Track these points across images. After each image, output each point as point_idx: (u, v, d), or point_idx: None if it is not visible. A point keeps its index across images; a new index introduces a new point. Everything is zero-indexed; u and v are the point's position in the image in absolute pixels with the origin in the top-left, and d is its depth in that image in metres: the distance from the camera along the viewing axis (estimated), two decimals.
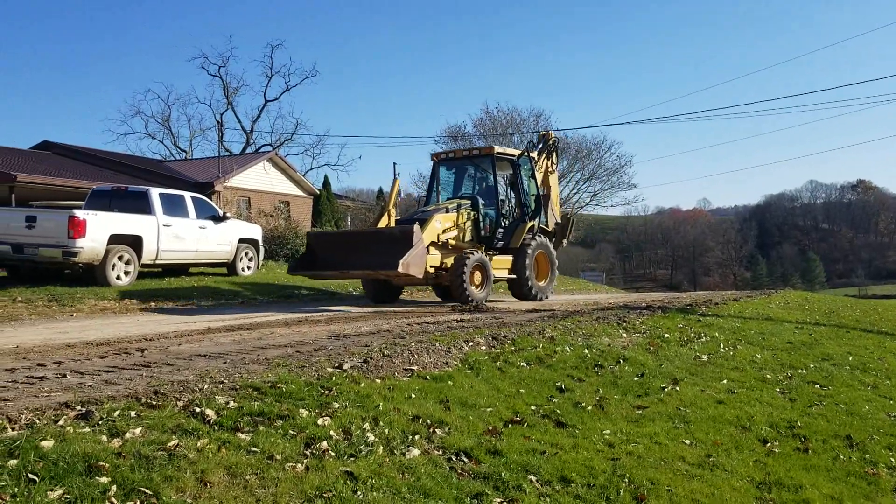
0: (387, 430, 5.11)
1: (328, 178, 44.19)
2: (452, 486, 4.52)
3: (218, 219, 17.93)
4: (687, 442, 6.40)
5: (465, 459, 5.00)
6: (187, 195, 17.54)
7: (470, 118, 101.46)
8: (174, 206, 16.81)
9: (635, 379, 8.00)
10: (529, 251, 15.92)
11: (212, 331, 9.23)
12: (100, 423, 4.39)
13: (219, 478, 3.92)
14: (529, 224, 16.20)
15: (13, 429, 4.18)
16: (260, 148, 51.45)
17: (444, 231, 14.44)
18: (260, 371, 6.19)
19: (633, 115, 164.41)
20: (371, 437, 4.92)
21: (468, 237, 15.29)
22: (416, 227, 12.98)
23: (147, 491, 3.59)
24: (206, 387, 5.47)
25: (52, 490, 3.42)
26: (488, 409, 6.10)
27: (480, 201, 15.76)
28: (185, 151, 54.36)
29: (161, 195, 16.70)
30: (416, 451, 4.90)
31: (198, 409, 4.84)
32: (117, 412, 4.58)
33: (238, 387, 5.53)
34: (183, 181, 29.47)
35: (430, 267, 13.77)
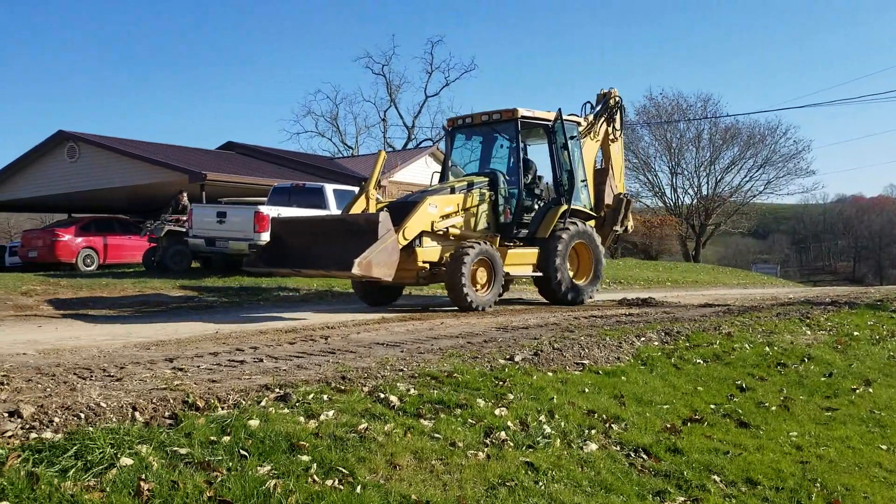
0: (563, 424, 5.13)
1: None
2: (633, 483, 4.47)
3: None
4: (883, 447, 5.96)
5: (645, 456, 4.92)
6: (328, 188, 18.27)
7: (632, 105, 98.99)
8: (346, 201, 17.61)
9: (822, 379, 7.52)
10: (561, 242, 12.23)
11: (386, 320, 9.62)
12: (297, 405, 4.72)
13: (406, 461, 4.10)
14: (562, 208, 12.44)
15: (223, 408, 4.58)
16: (420, 143, 52.78)
17: (442, 217, 11.21)
18: (435, 360, 6.40)
19: (811, 98, 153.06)
20: (548, 429, 4.96)
21: (481, 224, 11.93)
22: (384, 214, 9.88)
23: (343, 470, 3.82)
24: (387, 374, 5.73)
25: (261, 466, 3.72)
26: (665, 407, 5.96)
27: (502, 179, 12.23)
28: (351, 148, 56.80)
29: (335, 191, 17.58)
30: (593, 446, 4.89)
31: (382, 395, 5.09)
32: (311, 395, 4.91)
33: (416, 375, 5.76)
34: (351, 177, 30.79)
35: (424, 262, 11.01)
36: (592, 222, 13.41)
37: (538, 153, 13.27)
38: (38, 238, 23.19)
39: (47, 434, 3.81)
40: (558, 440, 4.83)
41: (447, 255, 11.06)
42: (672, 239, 46.55)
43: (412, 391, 5.28)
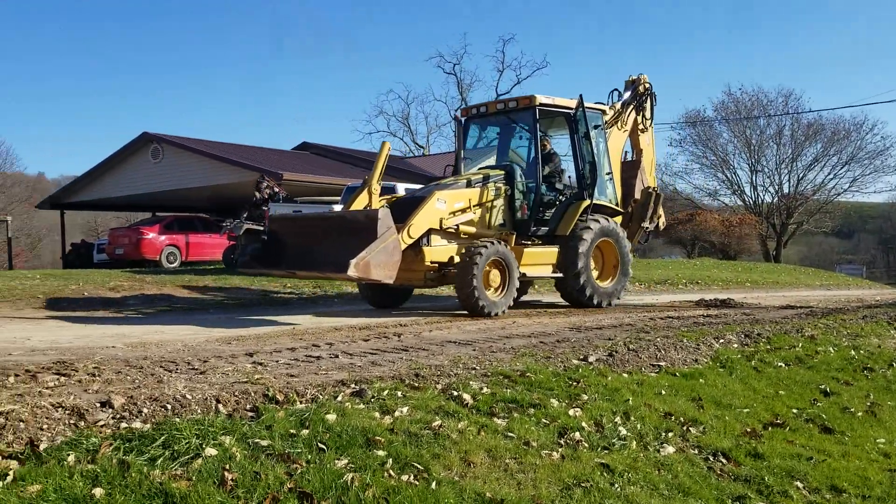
0: (639, 426, 5.06)
1: None
2: (712, 487, 4.38)
3: None
4: None
5: (724, 460, 4.81)
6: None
7: (710, 102, 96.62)
8: None
9: None
10: (584, 240, 11.16)
11: (458, 318, 9.66)
12: (372, 400, 4.79)
13: (480, 459, 4.12)
14: (584, 203, 11.40)
15: (301, 402, 4.69)
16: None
17: (453, 213, 10.35)
18: (507, 360, 6.39)
19: None
20: (623, 431, 4.90)
21: (496, 221, 10.99)
22: (384, 211, 8.99)
23: (418, 466, 3.87)
24: (460, 372, 5.76)
25: (338, 459, 3.80)
26: (745, 410, 5.81)
27: (518, 172, 11.32)
28: (422, 147, 57.15)
29: (406, 190, 17.72)
30: (670, 449, 4.81)
31: (455, 393, 5.12)
32: (385, 392, 4.98)
33: (489, 374, 5.77)
34: (422, 176, 30.99)
35: (432, 262, 10.17)
36: (619, 219, 12.37)
37: (560, 145, 12.54)
38: (124, 236, 24.18)
39: (137, 424, 3.97)
40: (634, 442, 4.76)
41: (458, 254, 10.22)
42: (751, 238, 45.20)
43: (485, 390, 5.30)
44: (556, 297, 12.88)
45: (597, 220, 11.41)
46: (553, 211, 11.44)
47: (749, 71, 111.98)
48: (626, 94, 12.98)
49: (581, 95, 11.31)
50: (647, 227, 12.80)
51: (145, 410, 4.19)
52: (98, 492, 3.15)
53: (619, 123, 12.63)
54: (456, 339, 7.60)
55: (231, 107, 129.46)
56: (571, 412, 5.06)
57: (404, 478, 3.71)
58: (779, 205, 49.21)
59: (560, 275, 11.24)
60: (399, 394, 4.99)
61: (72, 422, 3.93)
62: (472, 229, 10.57)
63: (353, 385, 5.11)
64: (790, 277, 27.76)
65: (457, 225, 10.37)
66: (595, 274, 11.64)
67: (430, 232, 10.09)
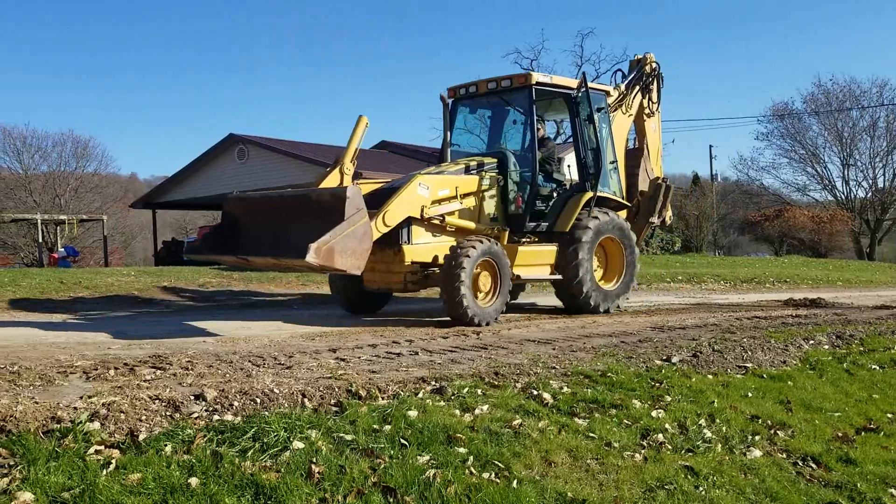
0: (724, 428, 4.95)
1: None
2: (801, 492, 4.25)
3: None
4: None
5: (813, 465, 4.67)
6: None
7: (799, 93, 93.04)
8: None
9: None
10: (585, 237, 9.84)
11: (536, 317, 9.64)
12: (452, 398, 4.85)
13: (561, 459, 4.12)
14: (586, 196, 10.04)
15: (383, 398, 4.78)
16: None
17: (437, 201, 9.09)
18: (588, 359, 6.35)
19: None
20: (708, 433, 4.81)
21: (488, 214, 9.75)
22: (353, 189, 7.70)
23: (499, 464, 3.89)
24: (539, 371, 5.76)
25: (420, 455, 3.86)
26: (836, 414, 5.61)
27: (512, 160, 9.96)
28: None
29: None
30: (757, 452, 4.69)
31: (535, 392, 5.13)
32: (465, 389, 5.02)
33: (569, 373, 5.75)
34: None
35: (413, 262, 8.94)
36: (624, 213, 11.11)
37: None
38: None
39: (228, 416, 4.14)
40: (719, 445, 4.67)
41: (443, 253, 8.89)
42: (843, 235, 43.34)
43: (565, 389, 5.28)
44: (554, 300, 11.49)
45: (600, 215, 10.13)
46: (551, 204, 10.12)
47: (841, 61, 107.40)
48: (631, 75, 11.78)
49: (584, 73, 10.14)
50: (654, 223, 11.62)
51: (236, 403, 4.35)
52: (194, 481, 3.30)
53: (623, 107, 11.42)
54: (535, 338, 7.59)
55: (313, 106, 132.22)
56: (654, 413, 4.99)
57: (485, 476, 3.74)
58: (872, 200, 47.00)
59: (559, 277, 9.93)
60: (479, 392, 5.03)
61: (168, 413, 4.12)
62: (460, 222, 9.32)
63: (433, 382, 5.18)
64: (885, 276, 26.49)
65: (442, 215, 9.07)
66: (598, 275, 10.40)
67: (410, 223, 8.82)
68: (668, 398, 5.32)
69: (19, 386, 4.63)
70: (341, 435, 3.98)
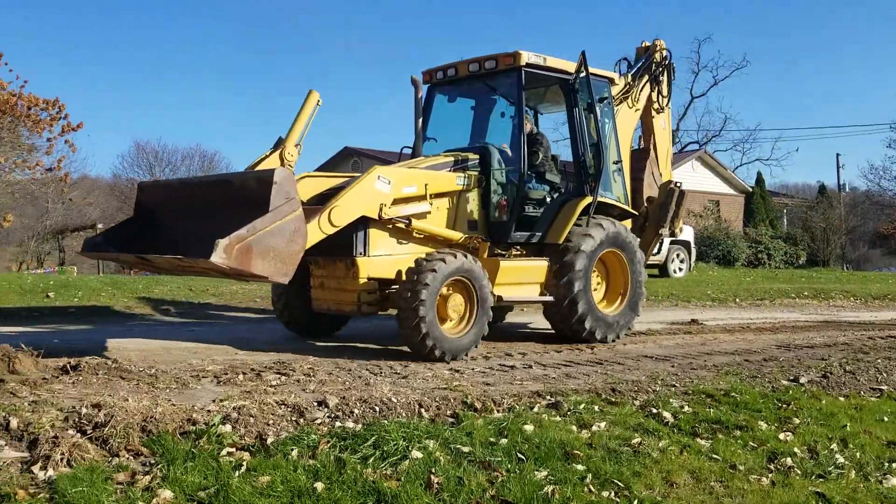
0: (858, 454, 4.67)
1: (761, 174, 41.47)
2: None
3: None
4: None
5: None
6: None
7: None
8: None
9: None
10: (582, 251, 8.06)
11: (652, 332, 9.40)
12: (568, 413, 4.81)
13: (683, 480, 4.00)
14: (584, 201, 8.25)
15: (498, 411, 4.80)
16: (685, 147, 50.73)
17: (401, 201, 7.40)
18: (709, 377, 6.15)
19: None
20: (840, 458, 4.55)
21: (467, 220, 8.05)
22: (282, 172, 6.05)
23: (619, 483, 3.82)
24: (658, 389, 5.63)
25: (538, 470, 3.84)
26: None
27: (497, 157, 8.29)
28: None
29: None
30: (894, 481, 4.40)
31: (654, 410, 5.01)
32: (582, 405, 4.97)
33: (690, 392, 5.58)
34: None
35: (369, 279, 7.18)
36: (629, 223, 9.31)
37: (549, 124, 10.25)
38: None
39: (349, 424, 4.26)
40: (853, 472, 4.41)
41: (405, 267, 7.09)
42: None
43: (686, 408, 5.14)
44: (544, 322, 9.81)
45: (601, 225, 8.36)
46: (542, 210, 8.44)
47: None
48: (638, 64, 10.14)
49: (583, 53, 8.19)
50: (664, 234, 9.80)
51: (356, 411, 4.48)
52: (319, 486, 3.41)
53: (629, 100, 9.78)
54: (652, 354, 7.41)
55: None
56: (782, 436, 4.78)
57: (605, 494, 3.68)
58: None
59: (549, 298, 8.12)
60: (596, 408, 4.97)
61: (293, 418, 4.28)
62: (431, 227, 7.60)
63: (548, 397, 5.15)
64: None
65: (408, 218, 7.37)
66: (597, 297, 8.57)
67: (367, 226, 7.18)
68: (797, 420, 5.08)
69: (157, 388, 4.93)
70: (458, 446, 4.02)
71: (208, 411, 4.20)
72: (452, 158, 8.07)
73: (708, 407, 5.21)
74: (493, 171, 8.13)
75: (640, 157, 10.07)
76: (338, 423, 4.26)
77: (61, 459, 3.41)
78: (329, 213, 6.71)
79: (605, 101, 8.90)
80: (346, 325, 8.75)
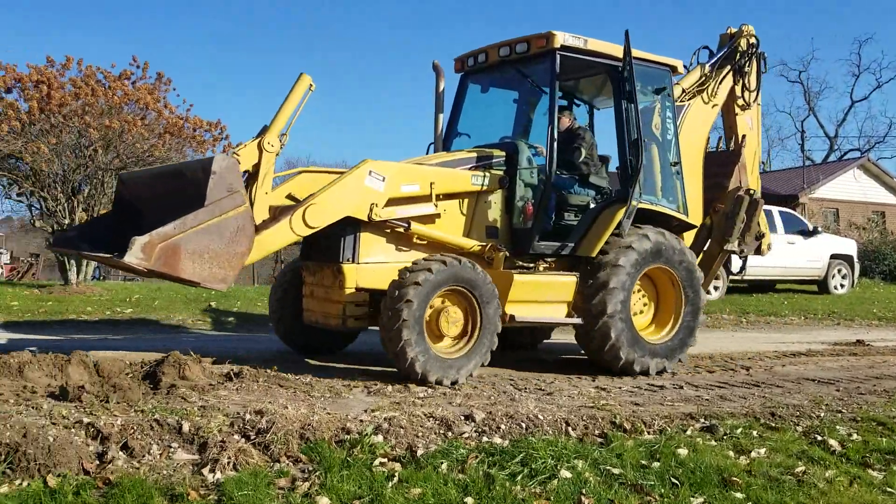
0: None
1: None
2: None
3: (807, 233, 17.16)
4: None
5: None
6: (775, 209, 17.21)
7: None
8: (795, 225, 17.07)
9: None
10: (619, 266, 6.85)
11: (813, 353, 8.83)
12: (724, 437, 4.59)
13: None
14: (622, 208, 7.00)
15: (648, 433, 4.66)
16: (845, 154, 47.52)
17: (397, 200, 6.56)
18: (880, 403, 5.72)
19: None
20: None
21: (485, 225, 7.10)
22: (224, 159, 5.54)
23: None
24: (822, 414, 5.28)
25: (693, 497, 3.69)
26: None
27: (525, 155, 7.28)
28: (763, 163, 53.38)
29: (781, 213, 16.94)
30: None
31: (819, 437, 4.71)
32: (739, 430, 4.74)
33: (858, 418, 5.20)
34: (764, 194, 28.98)
35: (356, 288, 6.33)
36: (691, 235, 8.10)
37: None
38: None
39: (496, 439, 4.26)
40: None
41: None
42: None
43: (855, 436, 4.79)
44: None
45: (646, 236, 7.10)
46: (579, 217, 7.33)
47: None
48: (721, 52, 8.78)
49: (627, 32, 6.86)
50: (732, 251, 8.32)
51: (503, 427, 4.48)
52: (469, 501, 3.44)
53: (705, 93, 8.51)
54: (814, 377, 6.96)
55: None
56: None
57: None
58: None
59: (578, 320, 6.92)
60: (754, 433, 4.72)
61: (441, 431, 4.34)
62: (434, 232, 6.68)
63: (702, 419, 4.95)
64: None
65: (406, 221, 6.52)
66: (642, 321, 7.37)
67: (359, 229, 6.38)
68: None
69: (313, 397, 5.15)
70: (608, 468, 3.93)
71: (361, 421, 4.33)
72: (475, 155, 7.12)
73: (879, 435, 4.83)
74: (520, 170, 7.15)
75: (725, 159, 8.81)
76: (485, 438, 4.27)
77: (228, 463, 3.62)
78: (304, 212, 5.95)
79: (662, 94, 7.78)
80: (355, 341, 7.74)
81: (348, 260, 6.33)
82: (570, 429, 4.57)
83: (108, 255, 5.30)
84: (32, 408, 4.20)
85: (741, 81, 8.83)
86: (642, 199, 7.17)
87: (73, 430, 3.71)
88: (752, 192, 8.33)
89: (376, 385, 5.67)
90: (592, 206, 7.36)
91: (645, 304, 7.45)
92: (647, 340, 7.08)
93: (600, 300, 6.75)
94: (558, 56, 7.04)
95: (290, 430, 4.00)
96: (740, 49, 8.75)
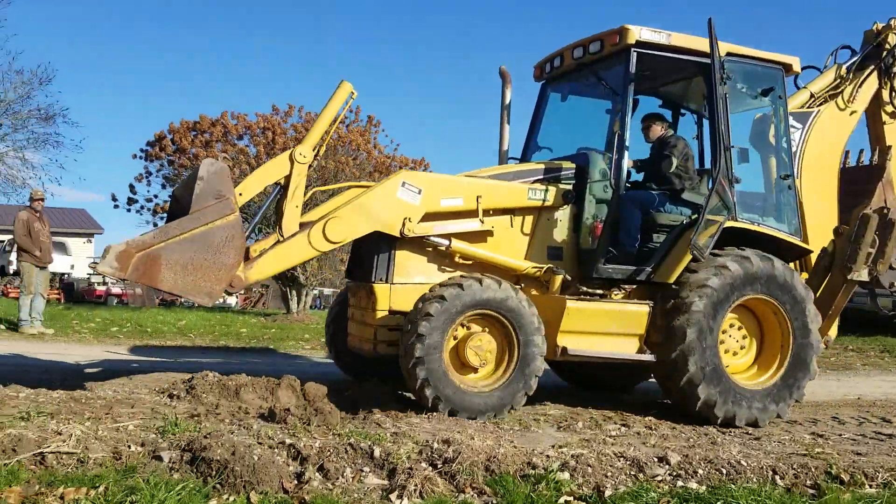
0: None
1: None
2: None
3: None
4: None
5: None
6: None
7: None
8: None
9: None
10: (702, 293, 5.84)
11: None
12: None
13: None
14: (712, 226, 5.92)
15: (870, 486, 4.16)
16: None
17: (436, 216, 5.99)
18: None
19: None
20: None
21: (547, 244, 6.35)
22: (212, 164, 5.19)
23: None
24: None
25: None
26: None
27: (600, 167, 6.35)
28: None
29: None
30: None
31: None
32: None
33: None
34: None
35: (389, 311, 5.82)
36: (807, 269, 7.01)
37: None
38: None
39: (692, 484, 4.00)
40: None
41: None
42: None
43: None
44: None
45: (747, 258, 6.05)
46: (665, 236, 6.38)
47: None
48: (864, 50, 7.56)
49: (710, 20, 5.81)
50: (860, 279, 6.68)
51: (700, 471, 4.20)
52: None
53: (840, 98, 7.32)
54: None
55: None
56: None
57: None
58: None
59: (649, 357, 6.03)
60: None
61: (632, 472, 4.14)
62: (479, 251, 6.06)
63: None
64: None
65: (448, 237, 5.96)
66: (740, 363, 6.30)
67: (391, 246, 5.92)
68: None
69: (501, 429, 5.15)
70: None
71: (547, 456, 4.25)
72: (543, 167, 6.45)
73: None
74: (590, 184, 6.33)
75: (867, 174, 7.42)
76: (679, 483, 4.02)
77: (415, 490, 3.70)
78: (324, 226, 5.58)
79: (772, 95, 6.74)
80: None
81: (381, 280, 5.88)
82: (776, 477, 4.18)
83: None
84: (244, 428, 4.56)
85: (889, 84, 7.61)
86: (741, 218, 6.23)
87: (276, 450, 3.98)
88: (888, 210, 6.77)
89: (567, 421, 5.56)
90: (678, 224, 6.41)
91: (744, 340, 6.35)
92: (740, 383, 6.02)
93: (679, 325, 5.80)
94: (634, 54, 6.23)
95: (475, 460, 4.01)
96: (888, 45, 7.53)
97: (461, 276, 5.70)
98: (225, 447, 3.78)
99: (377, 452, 4.04)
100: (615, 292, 6.18)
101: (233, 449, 3.76)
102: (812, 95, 7.38)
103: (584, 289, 6.11)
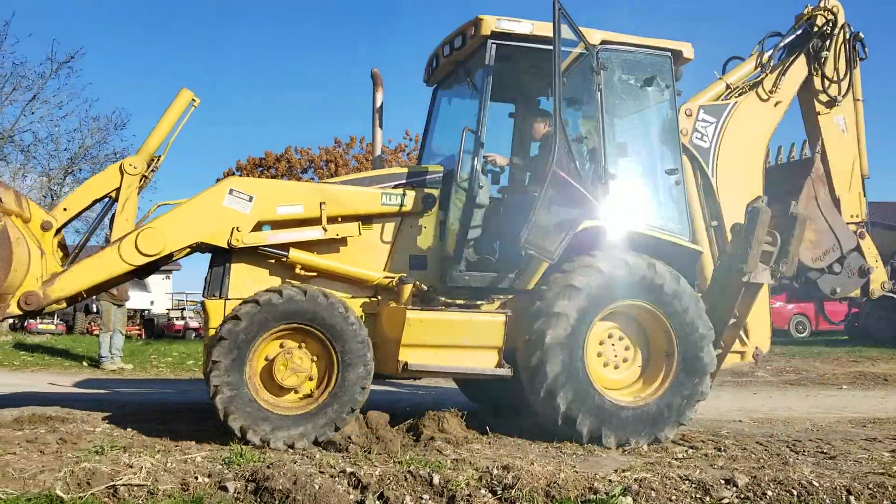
0: None
1: None
2: None
3: None
4: None
5: None
6: None
7: None
8: None
9: None
10: (575, 288, 5.36)
11: None
12: None
13: None
14: (562, 225, 5.37)
15: None
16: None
17: (272, 224, 5.61)
18: None
19: None
20: None
21: (407, 253, 5.87)
22: None
23: None
24: None
25: None
26: None
27: (468, 168, 5.81)
28: None
29: None
30: None
31: None
32: None
33: None
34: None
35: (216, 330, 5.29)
36: (710, 264, 6.31)
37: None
38: None
39: None
40: None
41: None
42: None
43: None
44: None
45: (623, 261, 5.56)
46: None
47: None
48: (788, 37, 6.90)
49: (555, 2, 5.29)
50: (756, 280, 5.75)
51: (769, 493, 4.08)
52: None
53: (761, 88, 6.68)
54: None
55: None
56: None
57: None
58: None
59: (506, 372, 5.55)
60: None
61: (697, 496, 4.05)
62: (326, 263, 5.63)
63: None
64: None
65: (285, 248, 5.53)
66: (621, 377, 5.81)
67: (227, 258, 5.54)
68: None
69: (563, 454, 5.10)
70: None
71: (609, 481, 4.19)
72: (407, 171, 6.00)
73: None
74: (455, 188, 5.84)
75: (795, 172, 6.91)
76: None
77: None
78: (136, 237, 5.20)
79: (663, 87, 6.18)
80: None
81: (214, 295, 5.48)
82: (851, 497, 4.03)
83: None
84: (306, 457, 4.65)
85: (820, 70, 6.93)
86: (625, 218, 5.71)
87: (336, 478, 4.04)
88: (762, 199, 5.83)
89: (630, 443, 5.45)
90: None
91: (626, 358, 5.83)
92: (615, 398, 5.50)
93: (538, 327, 5.34)
94: (492, 46, 5.73)
95: (535, 486, 3.99)
96: (815, 27, 6.90)
97: (277, 286, 5.25)
98: (287, 476, 3.86)
99: (436, 480, 4.06)
100: (483, 303, 5.77)
101: (294, 478, 3.84)
102: (728, 87, 6.81)
103: (443, 299, 5.67)
